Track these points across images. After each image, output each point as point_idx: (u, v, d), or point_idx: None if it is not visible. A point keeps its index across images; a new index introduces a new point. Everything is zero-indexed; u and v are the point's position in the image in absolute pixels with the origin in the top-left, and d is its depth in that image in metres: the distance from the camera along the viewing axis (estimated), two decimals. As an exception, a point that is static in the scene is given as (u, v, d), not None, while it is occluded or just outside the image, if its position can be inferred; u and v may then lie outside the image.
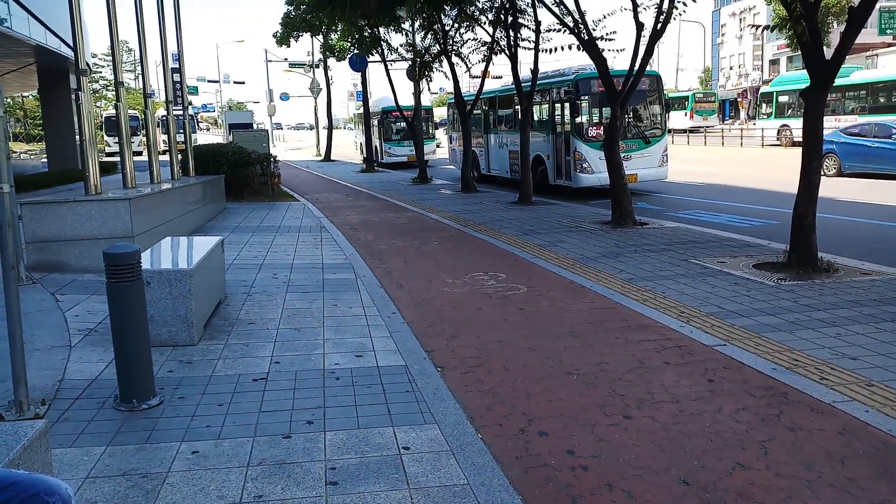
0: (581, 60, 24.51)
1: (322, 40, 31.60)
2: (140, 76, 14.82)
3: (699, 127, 44.64)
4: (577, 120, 15.36)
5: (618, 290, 6.88)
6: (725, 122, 51.80)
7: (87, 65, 11.54)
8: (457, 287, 7.29)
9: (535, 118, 17.14)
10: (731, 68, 69.36)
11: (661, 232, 10.31)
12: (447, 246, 10.00)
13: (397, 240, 10.65)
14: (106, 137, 44.94)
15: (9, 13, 16.83)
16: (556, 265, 8.22)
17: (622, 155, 11.87)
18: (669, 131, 19.00)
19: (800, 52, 8.04)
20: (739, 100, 59.45)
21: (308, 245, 10.00)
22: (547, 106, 16.80)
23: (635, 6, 10.61)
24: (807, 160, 7.49)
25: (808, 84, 7.51)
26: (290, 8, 28.11)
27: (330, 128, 37.47)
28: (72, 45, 8.81)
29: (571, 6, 11.64)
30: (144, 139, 19.77)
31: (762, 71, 62.94)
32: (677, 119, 42.54)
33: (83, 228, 7.73)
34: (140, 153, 30.44)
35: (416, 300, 6.80)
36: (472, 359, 5.01)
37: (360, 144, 33.27)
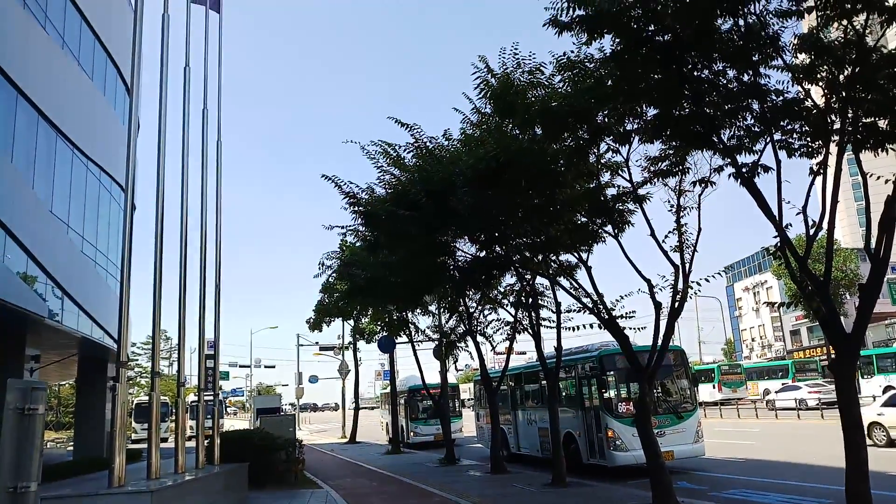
0: (604, 335, 25.21)
1: (353, 324, 32.96)
2: (175, 362, 15.34)
3: (729, 399, 45.17)
4: (606, 395, 15.18)
5: (669, 585, 6.24)
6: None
7: (127, 356, 12.06)
8: (492, 585, 6.67)
9: (563, 394, 17.04)
10: (752, 339, 70.30)
11: (707, 515, 9.62)
12: (479, 536, 9.35)
13: (426, 530, 10.01)
14: (134, 424, 45.02)
15: (61, 308, 18.09)
16: (598, 557, 7.57)
17: (655, 431, 11.56)
18: (700, 404, 18.83)
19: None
20: None
21: (331, 538, 9.41)
22: (574, 381, 16.79)
23: (651, 287, 11.07)
24: (849, 435, 7.23)
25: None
26: (324, 296, 29.86)
27: (356, 408, 37.36)
28: (116, 338, 9.32)
29: (589, 288, 12.22)
30: (172, 425, 19.82)
31: (784, 341, 63.60)
32: (706, 391, 43.44)
33: (100, 524, 7.44)
34: (166, 439, 30.24)
35: None
36: None
37: (387, 424, 32.84)
